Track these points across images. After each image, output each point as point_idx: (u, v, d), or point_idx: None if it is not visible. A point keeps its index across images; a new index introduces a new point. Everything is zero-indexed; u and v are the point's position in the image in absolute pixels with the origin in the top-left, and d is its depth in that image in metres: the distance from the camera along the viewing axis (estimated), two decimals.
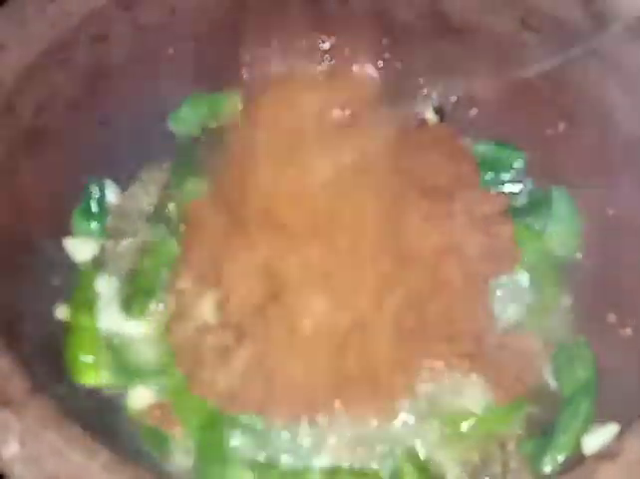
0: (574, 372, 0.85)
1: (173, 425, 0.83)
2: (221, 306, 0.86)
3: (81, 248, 0.92)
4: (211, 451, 0.80)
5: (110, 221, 0.96)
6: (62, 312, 0.88)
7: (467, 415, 0.84)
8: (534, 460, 0.81)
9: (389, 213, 0.88)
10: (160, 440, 0.82)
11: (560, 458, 0.80)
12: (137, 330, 0.88)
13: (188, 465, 0.81)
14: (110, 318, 0.88)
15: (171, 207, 0.96)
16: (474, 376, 0.85)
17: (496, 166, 0.99)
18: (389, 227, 0.87)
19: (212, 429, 0.81)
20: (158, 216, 0.96)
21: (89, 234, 0.94)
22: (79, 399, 0.81)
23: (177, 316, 0.87)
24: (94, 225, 0.94)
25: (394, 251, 0.86)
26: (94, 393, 0.84)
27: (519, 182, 0.99)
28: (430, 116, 1.04)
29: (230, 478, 0.80)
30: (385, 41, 1.03)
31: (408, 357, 0.84)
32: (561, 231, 0.94)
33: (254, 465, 0.80)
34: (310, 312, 0.83)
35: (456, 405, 0.84)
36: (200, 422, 0.82)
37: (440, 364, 0.84)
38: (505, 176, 0.99)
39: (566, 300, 0.92)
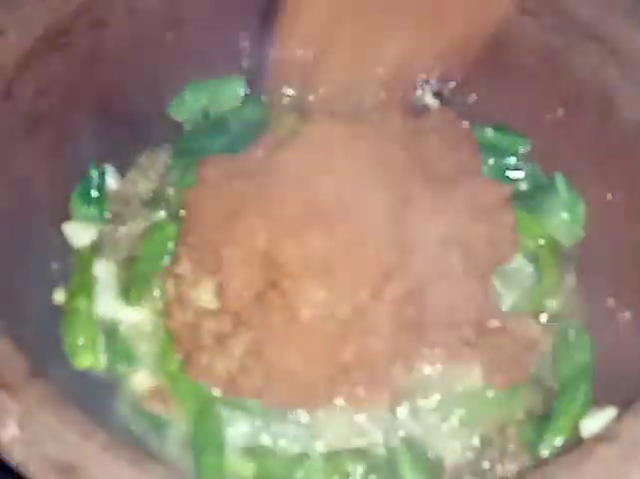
0: (573, 357, 0.86)
1: (171, 409, 0.83)
2: (220, 292, 0.86)
3: (80, 233, 0.92)
4: (208, 436, 0.80)
5: (109, 206, 0.96)
6: (61, 296, 0.88)
7: (466, 401, 0.84)
8: (533, 444, 0.81)
9: (390, 200, 0.88)
10: (158, 424, 0.82)
11: (558, 442, 0.80)
12: (134, 316, 0.88)
13: (185, 449, 0.81)
14: (107, 303, 0.88)
15: (171, 192, 0.96)
16: (473, 362, 0.85)
17: (499, 152, 0.99)
18: (390, 214, 0.87)
19: (209, 414, 0.81)
20: (157, 201, 0.96)
21: (88, 219, 0.94)
22: (77, 382, 0.81)
23: (176, 301, 0.86)
24: (93, 210, 0.94)
25: (394, 239, 0.86)
26: (92, 376, 0.84)
27: (521, 168, 0.99)
28: (430, 101, 1.04)
29: (228, 467, 0.80)
30: None
31: (407, 345, 0.84)
32: (563, 217, 0.95)
33: (253, 453, 0.81)
34: (309, 300, 0.83)
35: (455, 391, 0.84)
36: (198, 407, 0.82)
37: (439, 351, 0.84)
38: (508, 162, 0.99)
39: (566, 286, 0.92)
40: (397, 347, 0.83)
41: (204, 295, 0.86)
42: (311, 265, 0.84)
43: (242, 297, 0.84)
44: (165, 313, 0.87)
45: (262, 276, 0.85)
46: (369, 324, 0.83)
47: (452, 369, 0.84)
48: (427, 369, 0.84)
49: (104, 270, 0.90)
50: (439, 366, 0.84)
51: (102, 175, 0.96)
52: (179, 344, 0.85)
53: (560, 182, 0.94)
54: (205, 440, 0.80)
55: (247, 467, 0.80)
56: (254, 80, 1.04)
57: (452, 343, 0.84)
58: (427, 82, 1.04)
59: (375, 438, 0.82)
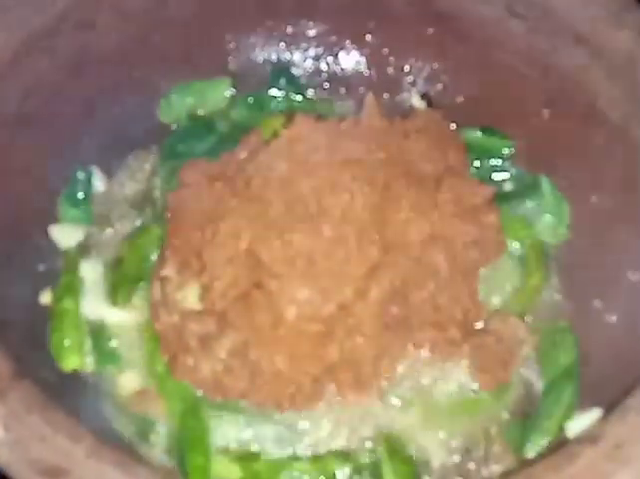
0: (558, 358, 0.86)
1: (157, 411, 0.83)
2: (205, 294, 0.86)
3: (66, 235, 0.92)
4: (195, 437, 0.80)
5: (96, 207, 0.96)
6: (47, 298, 0.88)
7: (451, 401, 0.84)
8: (518, 445, 0.81)
9: (376, 200, 0.88)
10: (144, 425, 0.82)
11: (544, 443, 0.80)
12: (121, 317, 0.88)
13: (172, 451, 0.81)
14: (94, 305, 0.88)
15: (157, 194, 0.96)
16: (458, 362, 0.85)
17: (485, 153, 1.00)
18: (375, 214, 0.87)
19: (196, 415, 0.81)
20: (143, 203, 0.96)
21: (75, 220, 0.94)
22: (63, 384, 0.81)
23: (162, 303, 0.86)
24: (80, 211, 0.94)
25: (380, 239, 0.86)
26: (78, 378, 0.84)
27: (506, 169, 0.99)
28: (417, 102, 1.04)
29: (214, 469, 0.79)
30: (371, 27, 1.03)
31: (392, 345, 0.84)
32: (549, 218, 0.95)
33: (239, 455, 0.80)
34: (294, 300, 0.82)
35: (440, 391, 0.84)
36: (184, 408, 0.82)
37: (424, 351, 0.85)
38: (494, 163, 1.00)
39: (552, 287, 0.93)
40: (382, 347, 0.83)
41: (190, 297, 0.86)
42: (295, 265, 0.83)
43: (227, 298, 0.84)
44: (152, 315, 0.87)
45: (247, 277, 0.85)
46: (354, 323, 0.83)
47: (437, 370, 0.85)
48: (412, 369, 0.84)
49: (90, 272, 0.90)
50: (424, 366, 0.84)
51: (88, 176, 0.96)
52: (165, 346, 0.85)
53: (546, 183, 0.95)
54: (192, 442, 0.80)
55: (233, 469, 0.79)
56: (241, 81, 1.04)
57: (437, 343, 0.84)
58: (413, 83, 1.04)
59: (360, 439, 0.82)
